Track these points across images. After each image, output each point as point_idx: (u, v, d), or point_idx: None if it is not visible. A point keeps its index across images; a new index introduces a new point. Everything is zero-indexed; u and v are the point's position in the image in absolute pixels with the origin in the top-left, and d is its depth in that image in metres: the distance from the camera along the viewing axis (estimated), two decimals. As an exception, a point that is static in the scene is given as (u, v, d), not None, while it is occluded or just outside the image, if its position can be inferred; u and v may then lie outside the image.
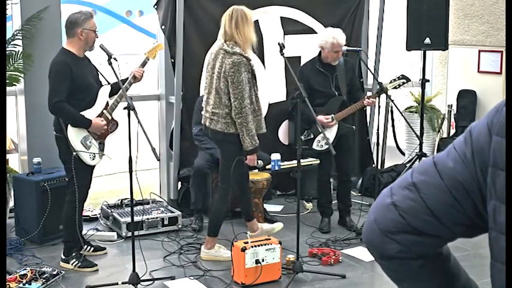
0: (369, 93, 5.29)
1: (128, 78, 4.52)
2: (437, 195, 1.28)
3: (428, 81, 6.73)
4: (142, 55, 4.67)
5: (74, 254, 4.54)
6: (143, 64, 4.61)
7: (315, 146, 5.26)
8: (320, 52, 5.23)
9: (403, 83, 5.37)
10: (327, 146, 5.17)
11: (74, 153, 4.33)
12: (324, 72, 5.19)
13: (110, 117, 4.50)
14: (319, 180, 5.43)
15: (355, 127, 5.42)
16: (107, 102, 4.50)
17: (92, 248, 4.79)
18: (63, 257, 4.57)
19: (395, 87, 5.38)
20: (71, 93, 4.31)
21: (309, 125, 5.16)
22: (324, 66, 5.19)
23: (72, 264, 4.52)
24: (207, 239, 4.72)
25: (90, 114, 4.40)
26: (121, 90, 4.36)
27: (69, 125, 4.33)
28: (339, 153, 5.32)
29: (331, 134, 5.23)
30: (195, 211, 5.46)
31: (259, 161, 4.57)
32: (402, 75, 5.35)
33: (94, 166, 4.54)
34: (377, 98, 5.18)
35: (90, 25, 4.38)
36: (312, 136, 5.24)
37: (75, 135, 4.34)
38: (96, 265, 4.57)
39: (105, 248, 4.87)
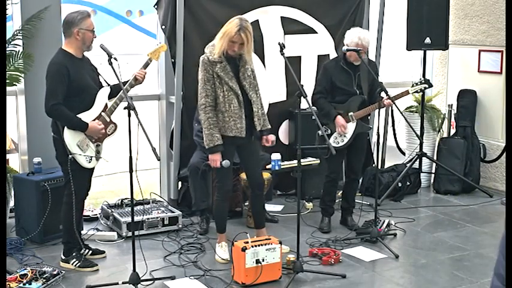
0: (384, 96, 5.29)
1: (128, 80, 4.47)
2: None
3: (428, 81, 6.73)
4: (144, 55, 4.63)
5: (74, 254, 4.53)
6: (146, 65, 4.55)
7: (331, 142, 5.24)
8: None
9: (425, 88, 5.39)
10: (343, 143, 5.19)
11: (70, 156, 4.30)
12: (348, 70, 5.20)
13: (108, 120, 4.44)
14: (327, 178, 5.39)
15: (372, 127, 5.43)
16: (106, 105, 4.45)
17: (90, 252, 4.71)
18: (63, 257, 4.56)
19: (416, 91, 5.39)
20: (68, 95, 4.27)
21: (327, 120, 5.17)
22: (348, 65, 5.21)
23: (72, 264, 4.51)
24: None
25: (88, 116, 4.35)
26: (121, 92, 4.34)
27: (65, 128, 4.29)
28: (353, 152, 5.34)
29: (349, 132, 5.23)
30: (199, 213, 5.44)
31: (225, 161, 4.50)
32: (425, 79, 5.38)
33: (93, 168, 4.52)
34: (391, 102, 5.17)
35: (87, 25, 4.34)
36: (330, 132, 5.23)
37: (71, 138, 4.30)
38: (97, 265, 4.56)
39: (104, 252, 4.82)
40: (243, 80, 4.52)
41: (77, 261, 4.52)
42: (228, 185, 4.69)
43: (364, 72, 5.23)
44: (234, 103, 4.45)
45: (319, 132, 5.13)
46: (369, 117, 5.48)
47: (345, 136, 5.24)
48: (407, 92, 5.30)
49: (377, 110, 5.23)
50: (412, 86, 5.36)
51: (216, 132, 4.46)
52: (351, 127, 5.24)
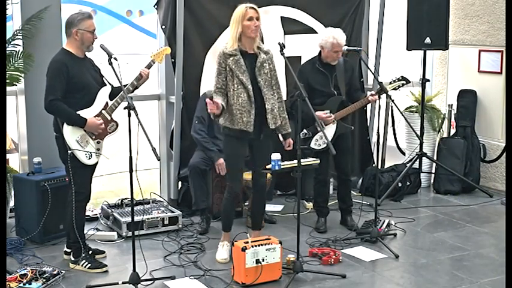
0: (369, 92, 5.30)
1: (131, 81, 4.47)
2: None
3: (428, 81, 6.74)
4: (144, 55, 4.63)
5: (83, 255, 4.53)
6: (148, 66, 4.56)
7: (312, 145, 5.26)
8: (320, 52, 5.24)
9: (403, 85, 5.39)
10: (325, 145, 5.19)
11: (69, 151, 4.31)
12: (324, 71, 5.20)
13: (109, 118, 4.46)
14: (315, 180, 5.43)
15: (353, 127, 5.43)
16: (106, 103, 4.47)
17: (91, 252, 4.70)
18: (73, 259, 4.55)
19: (394, 89, 5.39)
20: (68, 92, 4.30)
21: (307, 123, 5.17)
22: (324, 66, 5.21)
23: (82, 266, 4.51)
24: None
25: (88, 113, 4.37)
26: (122, 91, 4.34)
27: (64, 124, 4.32)
28: (338, 153, 5.32)
29: (329, 133, 5.23)
30: (199, 212, 5.45)
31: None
32: (402, 76, 5.37)
33: (94, 166, 4.52)
34: (377, 97, 5.21)
35: (86, 25, 4.35)
36: (310, 135, 5.24)
37: (70, 134, 4.32)
38: (106, 265, 4.54)
39: (104, 252, 4.83)
40: (258, 75, 4.52)
41: (87, 263, 4.51)
42: (237, 187, 4.69)
43: (341, 72, 5.23)
44: (243, 97, 4.45)
45: (300, 134, 5.15)
46: (368, 117, 5.47)
47: (327, 137, 5.23)
48: (386, 89, 5.27)
49: (377, 111, 5.23)
50: (390, 83, 5.36)
51: (219, 99, 4.42)
52: (331, 129, 5.24)
